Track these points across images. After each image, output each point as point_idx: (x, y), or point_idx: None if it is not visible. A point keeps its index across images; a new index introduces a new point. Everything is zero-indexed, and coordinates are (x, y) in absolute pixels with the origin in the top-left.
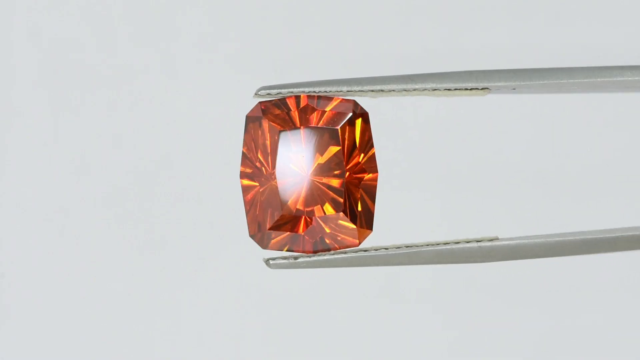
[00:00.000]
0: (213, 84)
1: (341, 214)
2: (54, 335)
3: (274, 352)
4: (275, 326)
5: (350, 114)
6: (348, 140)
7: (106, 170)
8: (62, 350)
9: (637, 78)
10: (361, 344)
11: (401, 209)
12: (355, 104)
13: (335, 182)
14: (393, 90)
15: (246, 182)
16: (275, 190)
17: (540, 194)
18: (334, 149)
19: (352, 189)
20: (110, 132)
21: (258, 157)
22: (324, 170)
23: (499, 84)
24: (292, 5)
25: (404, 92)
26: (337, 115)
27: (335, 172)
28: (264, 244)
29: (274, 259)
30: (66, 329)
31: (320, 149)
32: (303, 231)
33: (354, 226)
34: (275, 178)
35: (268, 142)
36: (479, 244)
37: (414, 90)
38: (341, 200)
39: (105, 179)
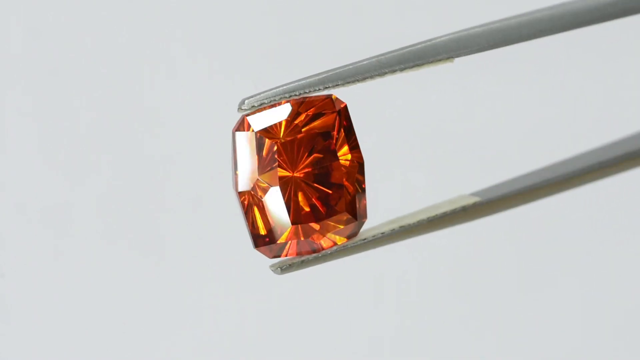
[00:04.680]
0: (213, 83)
1: (343, 213)
2: (54, 335)
3: (274, 352)
4: (275, 326)
5: (334, 111)
6: (336, 136)
7: (107, 170)
8: (62, 350)
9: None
10: (360, 340)
11: (387, 193)
12: (334, 98)
13: (331, 182)
14: (367, 79)
15: (243, 196)
16: (273, 201)
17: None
18: (325, 150)
19: (347, 183)
20: (111, 132)
21: (251, 170)
22: (319, 172)
23: (462, 50)
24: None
25: (377, 77)
26: (323, 115)
27: (330, 172)
28: (270, 254)
29: (282, 264)
30: (66, 329)
31: (311, 152)
32: (308, 235)
33: (353, 220)
34: (271, 189)
35: (259, 154)
36: (464, 207)
37: (386, 74)
38: (340, 200)
39: (105, 179)
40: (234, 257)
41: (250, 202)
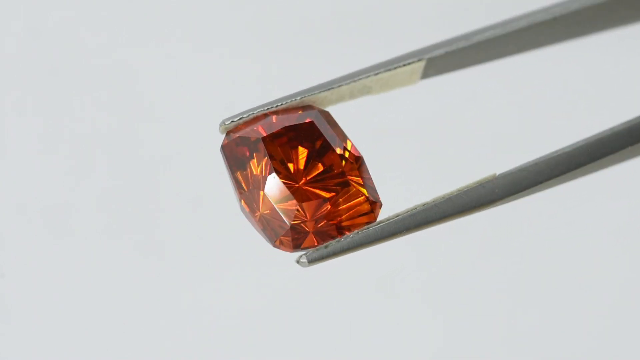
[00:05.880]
0: (214, 82)
1: (351, 189)
2: (54, 335)
3: (276, 352)
4: (277, 326)
5: (315, 111)
6: (325, 134)
7: (106, 170)
8: (62, 350)
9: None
10: (360, 341)
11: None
12: (313, 106)
13: (333, 169)
14: (342, 85)
15: (250, 207)
16: (282, 199)
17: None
18: (318, 142)
19: (350, 172)
20: (110, 132)
21: (250, 179)
22: (318, 163)
23: (432, 53)
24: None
25: (352, 85)
26: (306, 116)
27: (329, 161)
28: (291, 248)
29: (305, 254)
30: (66, 329)
31: (305, 145)
32: (322, 224)
33: (365, 197)
34: (276, 188)
35: (253, 159)
36: (482, 184)
37: (360, 80)
38: (346, 182)
39: (105, 179)
40: (235, 257)
41: (259, 211)
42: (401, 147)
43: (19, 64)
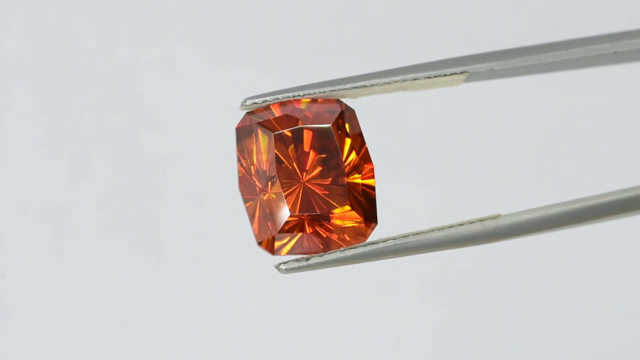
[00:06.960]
0: (214, 82)
1: (347, 207)
2: (54, 335)
3: (276, 353)
4: (276, 325)
5: (339, 111)
6: (341, 136)
7: (107, 170)
8: (62, 350)
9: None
10: (362, 342)
11: (397, 201)
12: (340, 102)
13: (336, 180)
14: (375, 85)
15: (246, 194)
16: (277, 198)
17: (534, 177)
18: (329, 147)
19: (353, 185)
20: (111, 131)
21: (254, 167)
22: (322, 169)
23: (476, 66)
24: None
25: (386, 86)
26: (327, 114)
27: (334, 170)
28: (273, 251)
29: (285, 262)
30: (66, 329)
31: (315, 148)
32: (310, 233)
33: (360, 218)
34: (274, 186)
35: (262, 149)
36: (483, 222)
37: (395, 82)
38: (345, 196)
39: (105, 179)
40: (235, 257)
41: (254, 200)
42: (419, 150)
43: (19, 64)
